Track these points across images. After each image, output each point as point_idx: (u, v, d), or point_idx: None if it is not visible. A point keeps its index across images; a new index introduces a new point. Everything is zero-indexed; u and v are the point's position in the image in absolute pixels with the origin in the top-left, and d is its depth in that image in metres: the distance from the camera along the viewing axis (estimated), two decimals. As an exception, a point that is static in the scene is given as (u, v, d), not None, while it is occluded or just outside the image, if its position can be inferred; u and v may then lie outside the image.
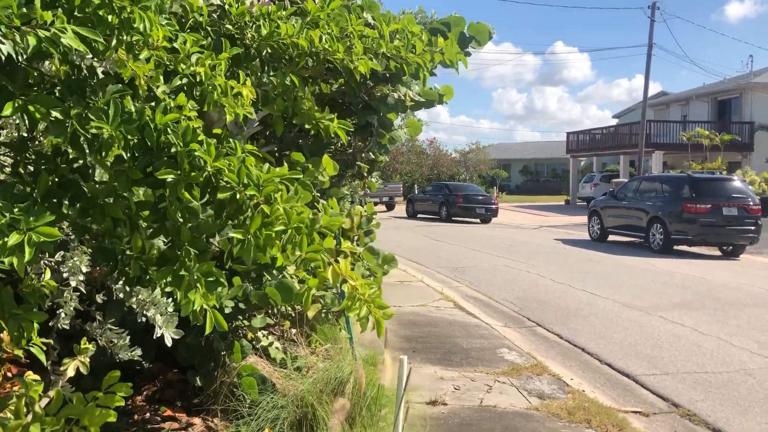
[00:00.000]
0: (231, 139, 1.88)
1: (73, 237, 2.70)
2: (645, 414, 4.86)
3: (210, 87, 1.94)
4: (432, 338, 6.77)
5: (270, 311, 4.55)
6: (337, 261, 2.08)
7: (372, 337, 6.31)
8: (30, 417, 2.22)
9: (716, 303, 9.07)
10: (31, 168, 1.96)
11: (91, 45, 1.70)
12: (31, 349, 2.13)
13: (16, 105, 1.60)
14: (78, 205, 1.82)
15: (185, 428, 3.95)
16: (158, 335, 2.64)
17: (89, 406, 2.14)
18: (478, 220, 25.97)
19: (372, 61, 2.64)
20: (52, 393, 2.31)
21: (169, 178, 1.71)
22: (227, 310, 3.68)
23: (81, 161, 1.89)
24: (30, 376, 2.46)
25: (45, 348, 2.24)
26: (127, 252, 1.95)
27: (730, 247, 15.36)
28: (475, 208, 25.66)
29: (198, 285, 1.87)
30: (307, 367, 4.32)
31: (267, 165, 1.87)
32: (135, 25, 1.72)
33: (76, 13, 1.64)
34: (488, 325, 7.60)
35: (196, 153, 1.73)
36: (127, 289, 2.58)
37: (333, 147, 5.68)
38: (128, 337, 2.90)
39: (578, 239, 18.56)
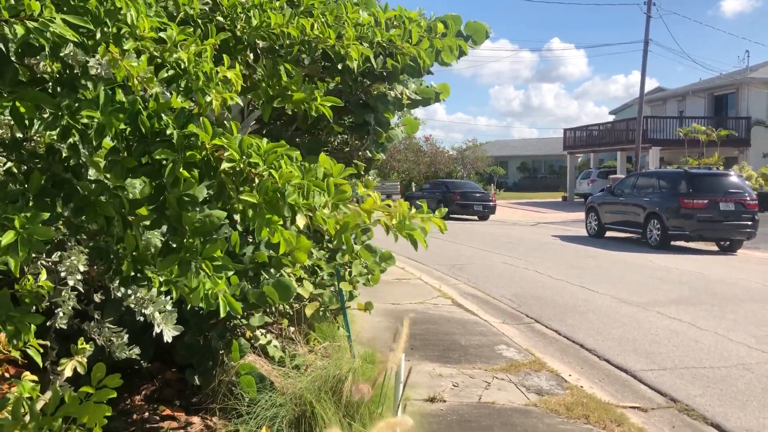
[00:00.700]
0: (226, 123, 1.87)
1: (69, 237, 2.69)
2: (643, 409, 4.87)
3: (194, 74, 1.92)
4: (430, 335, 6.77)
5: (268, 310, 4.54)
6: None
7: (370, 335, 6.32)
8: (27, 417, 2.22)
9: (714, 298, 9.09)
10: (25, 167, 1.96)
11: (81, 35, 1.69)
12: (28, 350, 2.13)
13: (5, 104, 1.59)
14: (71, 203, 1.81)
15: (184, 427, 3.95)
16: (157, 332, 2.63)
17: (85, 403, 2.14)
18: (475, 218, 26.00)
19: (365, 46, 2.64)
20: (49, 393, 2.31)
21: (166, 158, 1.69)
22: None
23: (74, 161, 1.88)
24: (27, 376, 2.46)
25: (42, 350, 2.24)
26: (120, 251, 1.94)
27: (728, 243, 15.39)
28: (473, 206, 25.69)
29: (205, 268, 1.86)
30: (306, 366, 4.32)
31: (266, 140, 1.86)
32: (121, 13, 1.71)
33: (64, 9, 1.64)
34: (486, 321, 7.60)
35: (192, 132, 1.72)
36: (122, 288, 2.58)
37: (330, 145, 5.68)
38: (126, 336, 2.90)
39: (576, 235, 18.58)
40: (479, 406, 4.69)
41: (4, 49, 1.50)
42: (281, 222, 1.85)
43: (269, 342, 4.50)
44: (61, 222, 2.12)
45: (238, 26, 2.36)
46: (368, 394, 3.37)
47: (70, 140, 1.72)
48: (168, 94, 1.89)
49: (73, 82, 1.80)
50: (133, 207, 1.90)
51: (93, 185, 1.85)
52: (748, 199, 15.13)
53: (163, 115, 1.70)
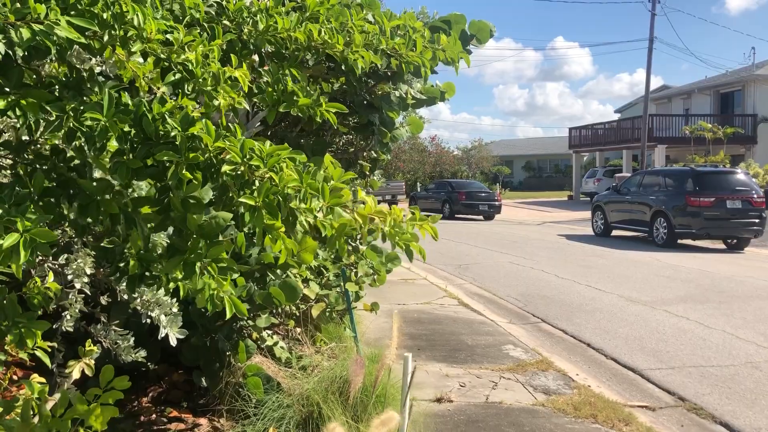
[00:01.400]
0: (230, 125, 1.87)
1: (76, 239, 2.70)
2: (651, 408, 4.85)
3: (202, 76, 1.92)
4: (437, 336, 6.76)
5: (274, 311, 4.55)
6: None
7: (376, 335, 6.32)
8: (36, 419, 2.22)
9: (721, 296, 9.05)
10: (30, 169, 1.97)
11: (86, 38, 1.69)
12: (36, 352, 2.13)
13: (9, 100, 1.59)
14: (76, 203, 1.82)
15: (191, 429, 3.95)
16: (163, 335, 2.63)
17: (93, 405, 2.14)
18: (481, 217, 25.96)
19: (372, 54, 2.64)
20: (57, 395, 2.31)
21: (168, 159, 1.70)
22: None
23: (78, 160, 1.88)
24: (36, 378, 2.47)
25: (50, 351, 2.25)
26: (126, 251, 1.95)
27: (735, 240, 15.33)
28: (478, 205, 25.65)
29: (210, 269, 1.86)
30: (312, 366, 4.32)
31: (269, 143, 1.86)
32: (129, 18, 1.71)
33: (70, 12, 1.64)
34: (493, 321, 7.59)
35: (196, 135, 1.72)
36: (129, 291, 2.58)
37: (335, 146, 5.68)
38: (133, 339, 2.90)
39: (582, 234, 18.54)
40: (486, 406, 4.68)
41: (10, 52, 1.50)
42: (283, 228, 1.85)
43: (276, 343, 4.50)
44: (67, 224, 2.13)
45: (245, 30, 2.37)
46: (361, 374, 3.39)
47: (76, 143, 1.72)
48: (174, 96, 1.90)
49: (79, 85, 1.81)
50: (137, 205, 1.90)
51: (97, 184, 1.86)
52: (755, 196, 15.06)
53: (167, 117, 1.71)
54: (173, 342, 2.64)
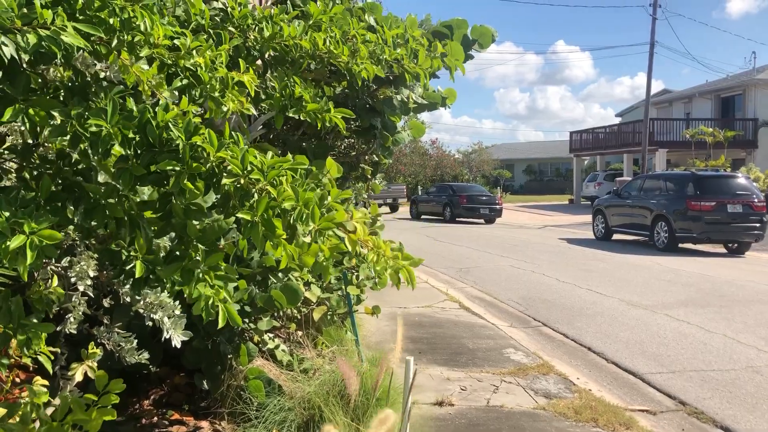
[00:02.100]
0: (234, 133, 1.89)
1: (79, 242, 2.71)
2: (652, 412, 4.85)
3: (212, 82, 1.94)
4: (438, 339, 6.77)
5: (276, 314, 4.55)
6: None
7: (378, 339, 6.32)
8: (37, 424, 2.23)
9: (722, 300, 9.05)
10: (36, 173, 1.98)
11: (92, 44, 1.70)
12: (39, 357, 2.14)
13: (17, 108, 1.60)
14: (82, 207, 1.83)
15: (193, 431, 3.96)
16: (166, 337, 2.64)
17: (91, 410, 2.16)
18: (482, 221, 25.96)
19: (376, 66, 2.66)
20: (58, 401, 2.32)
21: (171, 168, 1.71)
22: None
23: (84, 165, 1.90)
24: (38, 381, 2.48)
25: (52, 357, 2.25)
26: (132, 253, 1.96)
27: (735, 245, 15.32)
28: (479, 209, 25.66)
29: (207, 278, 1.87)
30: (314, 369, 4.32)
31: (271, 153, 1.87)
32: (136, 23, 1.72)
33: (77, 16, 1.66)
34: (494, 325, 7.59)
35: (198, 144, 1.73)
36: (132, 293, 2.59)
37: (337, 150, 5.70)
38: (135, 341, 2.91)
39: (583, 238, 18.53)
40: (487, 409, 4.69)
41: (17, 57, 1.52)
42: (285, 236, 1.87)
43: (277, 346, 4.51)
44: (71, 227, 2.14)
45: (251, 36, 2.38)
46: (353, 374, 3.41)
47: (81, 147, 1.73)
48: (177, 101, 1.91)
49: (84, 90, 1.82)
50: (141, 209, 1.92)
51: (102, 188, 1.87)
52: (755, 200, 15.05)
53: (171, 125, 1.72)
54: (177, 344, 2.65)
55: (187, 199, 1.82)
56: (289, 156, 1.93)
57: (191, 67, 1.92)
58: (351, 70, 2.57)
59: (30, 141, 2.10)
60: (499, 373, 5.60)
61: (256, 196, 1.80)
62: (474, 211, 25.68)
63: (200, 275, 1.90)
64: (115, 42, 1.73)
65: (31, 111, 1.62)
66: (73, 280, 2.63)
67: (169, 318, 2.61)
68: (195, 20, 2.19)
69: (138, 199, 1.98)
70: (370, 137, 5.26)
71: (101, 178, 1.93)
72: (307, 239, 1.91)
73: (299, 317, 4.96)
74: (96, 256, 2.64)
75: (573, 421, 4.48)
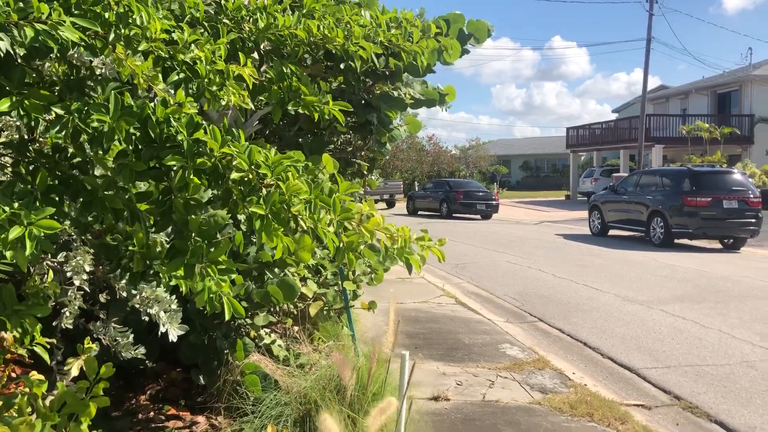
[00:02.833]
0: (233, 129, 1.89)
1: (75, 237, 2.71)
2: (647, 407, 4.87)
3: (209, 76, 1.94)
4: (434, 334, 6.78)
5: (272, 309, 4.56)
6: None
7: (374, 334, 6.32)
8: (34, 416, 2.23)
9: (717, 296, 9.08)
10: (32, 167, 1.98)
11: (89, 39, 1.70)
12: (35, 348, 2.15)
13: (13, 101, 1.60)
14: (79, 200, 1.83)
15: (189, 427, 3.97)
16: (162, 331, 2.64)
17: (86, 399, 2.17)
18: (478, 217, 25.99)
19: (372, 45, 2.66)
20: (56, 392, 2.33)
21: (176, 164, 1.71)
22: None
23: (80, 158, 1.89)
24: (34, 375, 2.48)
25: (48, 347, 2.26)
26: (130, 247, 1.96)
27: (731, 240, 15.37)
28: (476, 205, 25.68)
29: (209, 271, 1.88)
30: (310, 365, 4.33)
31: (274, 149, 1.88)
32: (132, 18, 1.72)
33: (73, 10, 1.66)
34: (490, 320, 7.61)
35: (202, 140, 1.74)
36: (128, 288, 2.59)
37: (333, 145, 5.69)
38: (132, 336, 2.91)
39: (579, 234, 18.57)
40: (483, 404, 4.70)
41: (12, 51, 1.51)
42: (281, 229, 1.87)
43: (273, 341, 4.52)
44: (68, 222, 2.13)
45: (245, 28, 2.38)
46: (347, 366, 3.43)
47: (79, 141, 1.73)
48: (172, 92, 1.91)
49: (80, 85, 1.82)
50: (140, 200, 1.92)
51: (100, 180, 1.87)
52: (751, 196, 15.10)
53: (172, 120, 1.72)
54: (173, 338, 2.64)
55: (189, 194, 1.82)
56: (289, 153, 1.93)
57: (189, 61, 1.92)
58: (348, 51, 2.57)
59: (26, 136, 2.10)
60: (495, 368, 5.62)
61: (264, 191, 1.81)
62: (471, 207, 25.70)
63: (202, 270, 1.91)
64: (112, 36, 1.73)
65: (26, 103, 1.62)
66: (69, 274, 2.63)
67: (165, 312, 2.61)
68: (189, 13, 2.19)
69: (136, 191, 1.98)
70: (366, 133, 5.26)
71: (98, 171, 1.93)
72: (331, 229, 1.92)
73: (296, 313, 4.97)
74: (92, 251, 2.64)
75: (568, 416, 4.50)
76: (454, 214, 26.10)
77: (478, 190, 26.89)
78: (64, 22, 1.53)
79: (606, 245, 15.52)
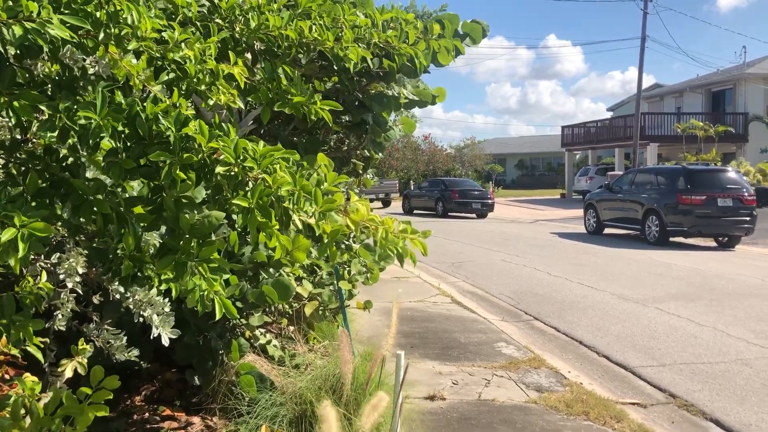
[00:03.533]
0: (223, 125, 1.88)
1: (68, 239, 2.69)
2: (643, 405, 4.88)
3: (198, 75, 1.93)
4: (430, 333, 6.78)
5: (267, 309, 4.55)
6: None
7: (369, 334, 6.33)
8: (27, 418, 2.22)
9: (712, 294, 9.11)
10: (23, 169, 1.96)
11: (79, 38, 1.69)
12: (28, 348, 2.13)
13: (2, 101, 1.59)
14: (69, 203, 1.82)
15: (184, 427, 3.95)
16: (155, 335, 2.63)
17: (83, 404, 2.15)
18: (474, 215, 26.01)
19: (362, 48, 2.65)
20: (50, 394, 2.31)
21: (163, 159, 1.70)
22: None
23: (72, 159, 1.88)
24: (28, 377, 2.46)
25: (42, 346, 2.24)
26: (119, 251, 1.95)
27: (726, 238, 15.41)
28: (471, 203, 25.70)
29: (200, 270, 1.87)
30: (306, 365, 4.32)
31: (262, 143, 1.87)
32: (123, 16, 1.71)
33: (62, 10, 1.64)
34: (486, 319, 7.61)
35: (190, 135, 1.73)
36: (122, 289, 2.58)
37: (328, 145, 5.68)
38: (125, 338, 2.90)
39: (574, 232, 18.60)
40: (479, 403, 4.70)
41: (2, 50, 1.50)
42: (278, 226, 1.86)
43: (269, 341, 4.51)
44: (60, 223, 2.12)
45: (237, 28, 2.37)
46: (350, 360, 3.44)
47: (69, 141, 1.72)
48: (169, 94, 1.90)
49: (72, 84, 1.80)
50: (130, 205, 1.90)
51: (90, 183, 1.86)
52: (745, 194, 15.14)
53: (161, 117, 1.71)
54: (165, 342, 2.64)
55: (178, 191, 1.81)
56: (280, 146, 1.92)
57: (179, 60, 1.90)
58: (338, 56, 2.56)
59: (18, 137, 2.09)
60: (491, 367, 5.62)
61: (251, 184, 1.79)
62: (466, 206, 25.73)
63: (193, 268, 1.89)
64: (102, 35, 1.72)
65: (15, 104, 1.60)
66: (61, 276, 2.61)
67: (158, 315, 2.60)
68: (182, 12, 2.17)
69: (126, 195, 1.97)
70: (361, 132, 5.25)
71: (89, 173, 1.92)
72: (312, 221, 1.90)
73: (291, 312, 4.96)
74: (85, 252, 2.62)
75: (564, 415, 4.50)
76: (449, 213, 26.12)
77: (473, 189, 26.92)
78: (53, 19, 1.52)
79: (601, 243, 15.55)
